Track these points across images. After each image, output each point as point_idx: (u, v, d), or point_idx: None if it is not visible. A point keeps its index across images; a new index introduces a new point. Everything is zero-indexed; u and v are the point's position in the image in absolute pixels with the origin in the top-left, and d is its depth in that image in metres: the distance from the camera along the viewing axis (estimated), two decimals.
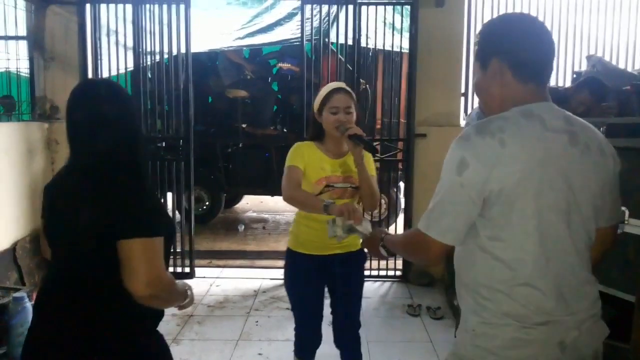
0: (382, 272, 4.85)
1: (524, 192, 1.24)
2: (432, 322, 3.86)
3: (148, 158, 1.59)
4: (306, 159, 2.32)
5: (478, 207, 1.27)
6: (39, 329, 1.52)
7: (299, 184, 2.27)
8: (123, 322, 1.48)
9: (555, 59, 4.80)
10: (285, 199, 2.26)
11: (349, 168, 2.34)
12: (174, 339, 3.54)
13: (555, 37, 4.79)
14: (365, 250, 2.04)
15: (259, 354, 3.39)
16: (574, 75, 4.65)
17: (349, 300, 2.50)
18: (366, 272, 4.78)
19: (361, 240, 1.95)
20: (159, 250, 1.43)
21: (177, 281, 1.61)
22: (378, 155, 4.94)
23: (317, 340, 2.52)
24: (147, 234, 1.40)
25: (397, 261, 4.86)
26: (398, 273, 4.85)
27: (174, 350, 3.44)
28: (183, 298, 1.63)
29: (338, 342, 2.53)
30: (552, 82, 4.87)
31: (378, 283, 4.77)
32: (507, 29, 1.38)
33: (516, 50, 1.34)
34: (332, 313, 2.53)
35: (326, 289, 2.53)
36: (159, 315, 1.62)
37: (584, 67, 4.77)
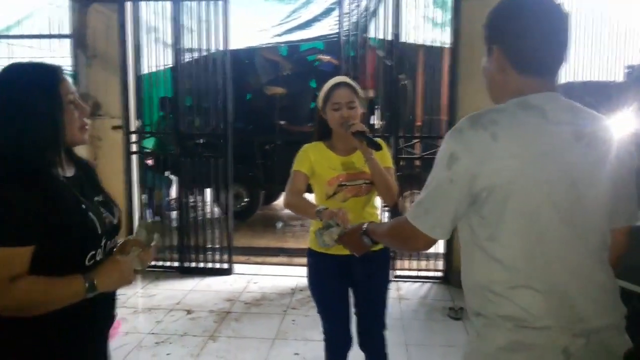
0: (422, 273, 4.72)
1: (518, 189, 1.16)
2: None
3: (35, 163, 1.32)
4: (313, 161, 2.28)
5: (467, 203, 1.21)
6: None
7: (299, 190, 2.24)
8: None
9: (606, 52, 4.58)
10: (284, 206, 2.27)
11: (361, 164, 2.26)
12: (210, 336, 3.54)
13: (606, 30, 4.58)
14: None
15: (296, 354, 3.35)
16: (627, 70, 4.43)
17: (372, 301, 2.41)
18: (405, 272, 4.71)
19: (336, 237, 1.86)
20: None
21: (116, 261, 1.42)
22: (418, 153, 4.84)
23: (347, 342, 2.43)
24: None
25: (437, 261, 4.74)
26: (439, 274, 4.72)
27: (211, 347, 3.46)
28: (80, 293, 1.33)
29: (362, 344, 2.44)
30: (602, 77, 4.66)
31: (417, 284, 4.66)
32: (511, 14, 1.26)
33: (516, 38, 1.24)
34: (355, 314, 2.45)
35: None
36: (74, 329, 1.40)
37: (637, 61, 4.54)
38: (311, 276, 2.43)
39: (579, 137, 1.21)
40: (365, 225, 1.69)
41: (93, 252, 1.41)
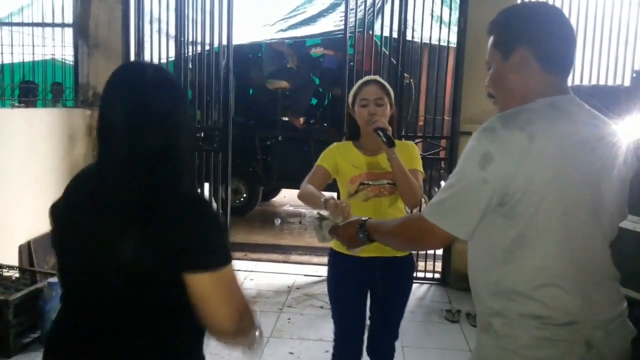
0: (420, 274, 4.67)
1: (552, 190, 1.18)
2: (472, 329, 3.66)
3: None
4: (338, 159, 2.26)
5: (496, 203, 1.20)
6: None
7: (313, 183, 2.20)
8: None
9: (614, 57, 4.51)
10: (297, 197, 2.24)
11: (387, 164, 2.20)
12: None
13: (614, 34, 4.51)
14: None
15: (290, 352, 3.30)
16: (634, 75, 4.37)
17: (389, 313, 2.35)
18: None
19: (329, 228, 1.78)
20: (236, 280, 1.16)
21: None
22: (422, 153, 4.79)
23: (357, 352, 2.34)
24: (222, 262, 1.12)
25: (436, 263, 4.70)
26: (437, 275, 4.68)
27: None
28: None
29: (369, 348, 2.38)
30: (609, 81, 4.60)
31: (415, 285, 4.57)
32: (533, 16, 1.31)
33: (546, 40, 1.27)
34: (369, 318, 2.40)
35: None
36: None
37: None
38: (330, 277, 2.34)
39: (598, 138, 1.26)
40: (363, 220, 1.61)
41: None
